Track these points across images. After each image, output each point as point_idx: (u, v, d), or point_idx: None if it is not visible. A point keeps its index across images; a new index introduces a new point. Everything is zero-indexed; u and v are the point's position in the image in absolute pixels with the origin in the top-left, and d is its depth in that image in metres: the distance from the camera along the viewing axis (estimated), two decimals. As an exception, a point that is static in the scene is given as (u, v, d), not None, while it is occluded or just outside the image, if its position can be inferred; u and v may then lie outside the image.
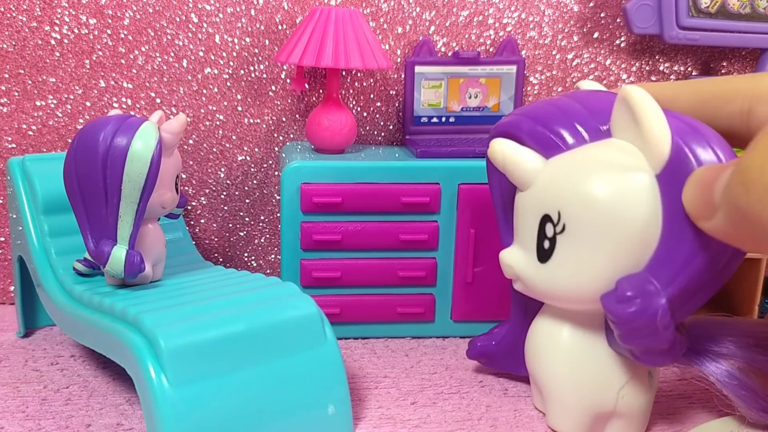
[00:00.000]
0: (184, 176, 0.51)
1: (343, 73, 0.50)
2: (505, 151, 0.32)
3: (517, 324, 0.38)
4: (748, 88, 0.29)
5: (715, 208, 0.25)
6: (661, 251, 0.29)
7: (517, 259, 0.33)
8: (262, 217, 0.53)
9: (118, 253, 0.33)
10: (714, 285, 0.29)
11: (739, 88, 0.30)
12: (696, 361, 0.32)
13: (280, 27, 0.49)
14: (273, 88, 0.50)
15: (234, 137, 0.51)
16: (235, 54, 0.49)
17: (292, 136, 0.51)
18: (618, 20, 0.52)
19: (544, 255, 0.32)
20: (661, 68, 0.53)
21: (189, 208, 0.52)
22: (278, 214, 0.52)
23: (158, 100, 0.49)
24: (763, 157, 0.21)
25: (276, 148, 0.51)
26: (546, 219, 0.31)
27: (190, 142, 0.50)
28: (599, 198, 0.29)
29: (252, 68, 0.50)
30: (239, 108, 0.50)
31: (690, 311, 0.29)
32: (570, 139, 0.31)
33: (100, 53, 0.48)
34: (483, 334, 0.40)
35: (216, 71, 0.49)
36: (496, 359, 0.40)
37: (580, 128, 0.31)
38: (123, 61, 0.48)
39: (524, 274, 0.33)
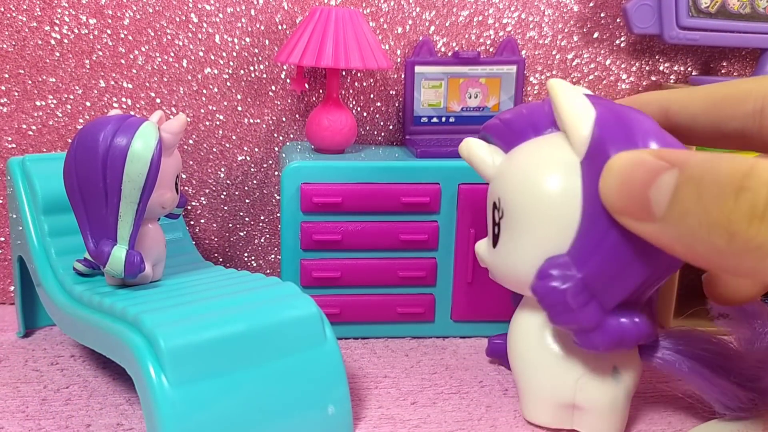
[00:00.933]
0: (184, 176, 0.51)
1: (343, 73, 0.50)
2: (470, 148, 0.36)
3: None
4: (760, 88, 0.30)
5: (651, 215, 0.25)
6: (579, 234, 0.30)
7: (483, 247, 0.36)
8: (262, 217, 0.53)
9: (118, 253, 0.33)
10: (642, 269, 0.29)
11: (752, 89, 0.30)
12: (671, 362, 0.33)
13: (280, 27, 0.49)
14: (273, 88, 0.50)
15: (234, 137, 0.51)
16: (235, 54, 0.49)
17: (292, 136, 0.51)
18: (618, 20, 0.52)
19: (494, 240, 0.34)
20: (661, 68, 0.53)
21: (189, 208, 0.52)
22: (278, 214, 0.52)
23: (158, 100, 0.49)
24: (750, 212, 0.22)
25: (276, 148, 0.51)
26: (494, 207, 0.34)
27: (190, 142, 0.50)
28: (524, 184, 0.32)
29: (252, 68, 0.50)
30: (239, 108, 0.50)
31: (619, 295, 0.30)
32: (527, 135, 0.34)
33: (100, 53, 0.48)
34: (501, 334, 0.41)
35: (216, 71, 0.49)
36: (506, 357, 0.40)
37: (537, 125, 0.34)
38: (123, 61, 0.48)
39: (486, 260, 0.36)
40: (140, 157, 0.32)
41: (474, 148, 0.35)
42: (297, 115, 0.51)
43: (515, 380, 0.36)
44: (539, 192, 0.31)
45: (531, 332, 0.35)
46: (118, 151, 0.32)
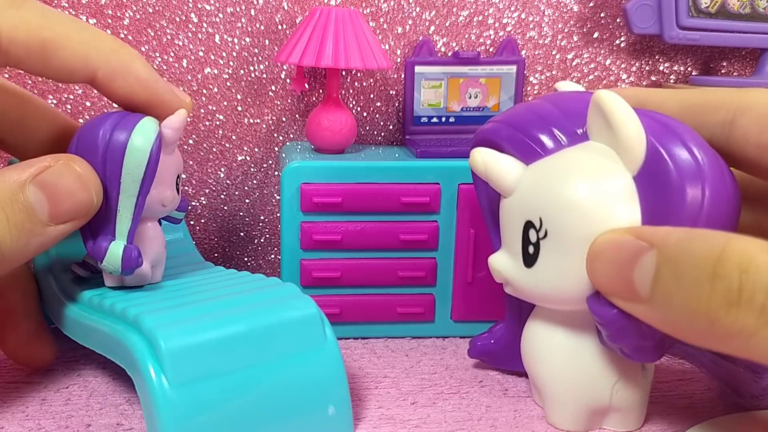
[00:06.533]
0: (184, 176, 0.51)
1: (343, 73, 0.50)
2: (486, 160, 0.33)
3: (513, 322, 0.38)
4: (733, 99, 0.30)
5: (638, 296, 0.25)
6: None
7: (505, 263, 0.34)
8: (262, 217, 0.53)
9: (115, 248, 0.33)
10: None
11: (725, 99, 0.30)
12: (689, 354, 0.34)
13: (280, 27, 0.49)
14: (273, 88, 0.50)
15: (234, 137, 0.51)
16: (235, 54, 0.49)
17: (292, 136, 0.51)
18: (618, 20, 0.52)
19: (529, 260, 0.32)
20: (661, 68, 0.53)
21: (189, 208, 0.52)
22: (278, 214, 0.52)
23: (158, 100, 0.49)
24: (727, 299, 0.22)
25: (276, 148, 0.51)
26: (529, 225, 0.32)
27: (190, 142, 0.50)
28: (578, 203, 0.30)
29: (252, 68, 0.50)
30: (239, 108, 0.50)
31: None
32: (548, 145, 0.32)
33: (100, 53, 0.48)
34: (483, 333, 0.40)
35: (216, 71, 0.49)
36: (496, 357, 0.40)
37: (557, 133, 0.32)
38: (123, 61, 0.48)
39: (513, 278, 0.34)
40: (140, 149, 0.32)
41: (491, 160, 0.33)
42: (297, 115, 0.51)
43: (540, 390, 0.36)
44: (596, 212, 0.29)
45: (560, 344, 0.34)
46: (117, 144, 0.32)
